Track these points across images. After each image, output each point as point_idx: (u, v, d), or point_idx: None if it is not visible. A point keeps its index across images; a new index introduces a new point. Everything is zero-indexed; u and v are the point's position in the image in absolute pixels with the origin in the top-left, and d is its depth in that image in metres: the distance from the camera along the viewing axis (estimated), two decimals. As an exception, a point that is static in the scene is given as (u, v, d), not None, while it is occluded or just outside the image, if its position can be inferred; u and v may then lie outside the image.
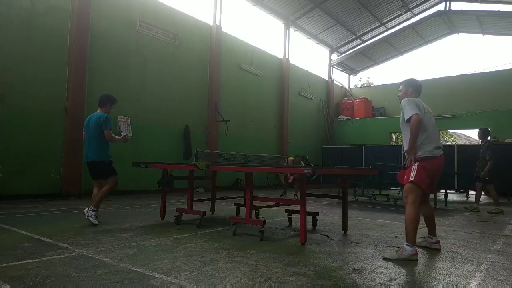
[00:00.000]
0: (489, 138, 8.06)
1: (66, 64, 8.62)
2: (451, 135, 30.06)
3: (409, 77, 3.94)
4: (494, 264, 3.26)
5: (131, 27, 10.09)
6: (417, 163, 3.55)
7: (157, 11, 10.84)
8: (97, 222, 4.75)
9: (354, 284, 2.63)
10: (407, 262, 3.28)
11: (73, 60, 8.64)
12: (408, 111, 3.54)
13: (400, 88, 3.93)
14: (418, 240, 3.85)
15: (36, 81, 8.10)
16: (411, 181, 3.55)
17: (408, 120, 3.53)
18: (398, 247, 3.65)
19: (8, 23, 7.72)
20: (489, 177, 7.61)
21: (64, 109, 8.54)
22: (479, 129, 8.03)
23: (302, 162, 11.01)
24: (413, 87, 3.84)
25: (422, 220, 3.74)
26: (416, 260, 3.35)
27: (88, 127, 5.11)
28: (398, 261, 3.28)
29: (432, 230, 3.88)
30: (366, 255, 3.51)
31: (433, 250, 3.78)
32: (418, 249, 3.60)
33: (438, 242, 3.85)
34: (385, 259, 3.37)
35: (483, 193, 8.18)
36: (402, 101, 3.68)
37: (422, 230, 4.37)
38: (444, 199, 9.06)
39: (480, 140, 8.10)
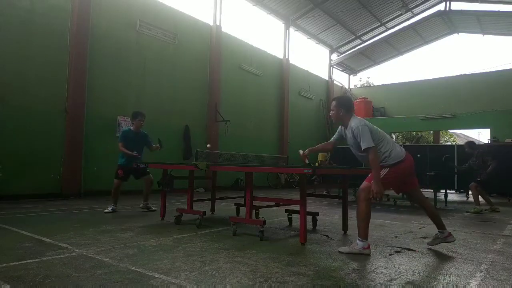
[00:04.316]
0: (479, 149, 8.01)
1: (66, 64, 8.62)
2: (451, 135, 30.09)
3: (339, 96, 3.85)
4: (494, 264, 3.26)
5: (131, 27, 10.09)
6: (387, 169, 3.63)
7: (157, 11, 10.84)
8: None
9: (354, 284, 2.63)
10: (407, 261, 3.28)
11: (73, 60, 8.64)
12: (364, 142, 3.51)
13: (331, 107, 3.86)
14: (430, 239, 3.90)
15: (36, 81, 8.10)
16: None
17: (365, 150, 3.54)
18: (398, 247, 3.66)
19: (8, 23, 7.72)
20: (480, 178, 7.62)
21: (64, 109, 8.54)
22: (465, 144, 8.07)
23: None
24: (344, 108, 3.76)
25: (422, 220, 3.75)
26: (369, 254, 3.47)
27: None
28: (351, 255, 3.45)
29: (440, 225, 3.85)
30: (366, 255, 3.50)
31: (433, 250, 3.77)
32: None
33: (451, 234, 3.83)
34: (340, 252, 3.55)
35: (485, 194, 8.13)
36: (355, 129, 3.61)
37: (427, 229, 4.37)
38: (444, 199, 9.06)
39: (470, 152, 8.00)
